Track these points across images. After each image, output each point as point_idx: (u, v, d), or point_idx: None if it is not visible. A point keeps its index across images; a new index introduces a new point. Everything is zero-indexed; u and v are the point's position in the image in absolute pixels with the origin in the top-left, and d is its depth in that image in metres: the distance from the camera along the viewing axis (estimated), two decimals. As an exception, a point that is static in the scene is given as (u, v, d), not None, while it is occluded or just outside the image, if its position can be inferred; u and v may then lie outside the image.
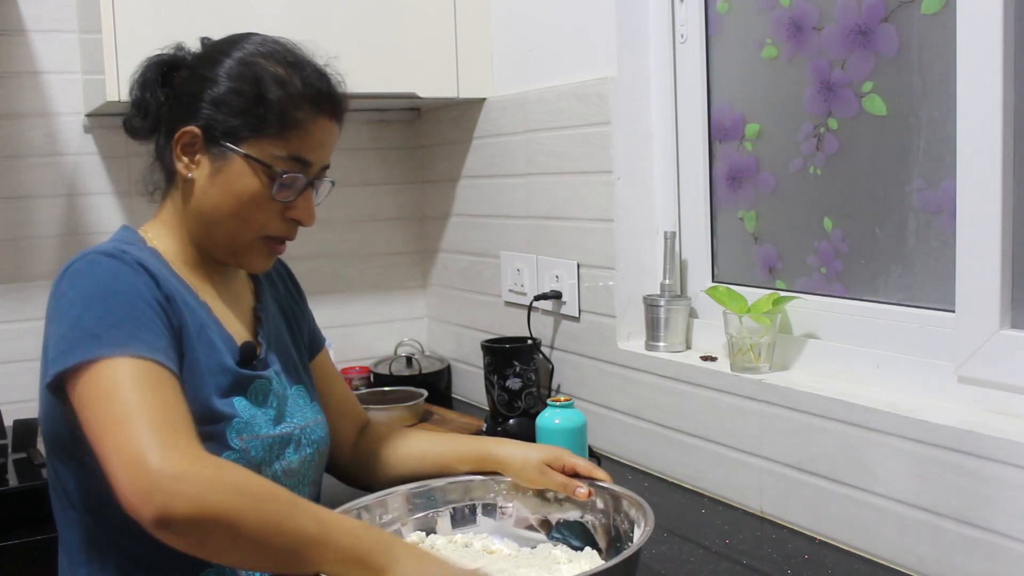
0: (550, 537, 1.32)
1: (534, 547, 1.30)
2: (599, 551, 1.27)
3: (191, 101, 1.22)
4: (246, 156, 1.20)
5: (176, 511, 0.94)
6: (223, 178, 1.21)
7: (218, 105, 1.20)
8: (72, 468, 1.15)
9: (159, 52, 1.27)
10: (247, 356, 1.25)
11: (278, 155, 1.21)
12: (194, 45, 1.29)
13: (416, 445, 1.44)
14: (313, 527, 1.00)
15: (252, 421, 1.20)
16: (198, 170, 1.22)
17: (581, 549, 1.28)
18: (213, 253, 1.26)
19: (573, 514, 1.31)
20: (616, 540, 1.25)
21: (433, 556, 1.07)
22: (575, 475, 1.31)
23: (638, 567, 1.14)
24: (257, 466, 1.19)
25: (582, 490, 1.29)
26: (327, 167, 1.27)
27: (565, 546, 1.29)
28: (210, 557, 1.01)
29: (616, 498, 1.27)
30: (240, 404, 1.20)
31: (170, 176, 1.27)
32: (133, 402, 1.00)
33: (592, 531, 1.29)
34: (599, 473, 1.32)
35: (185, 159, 1.22)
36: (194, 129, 1.21)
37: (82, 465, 1.13)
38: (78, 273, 1.11)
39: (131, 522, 1.00)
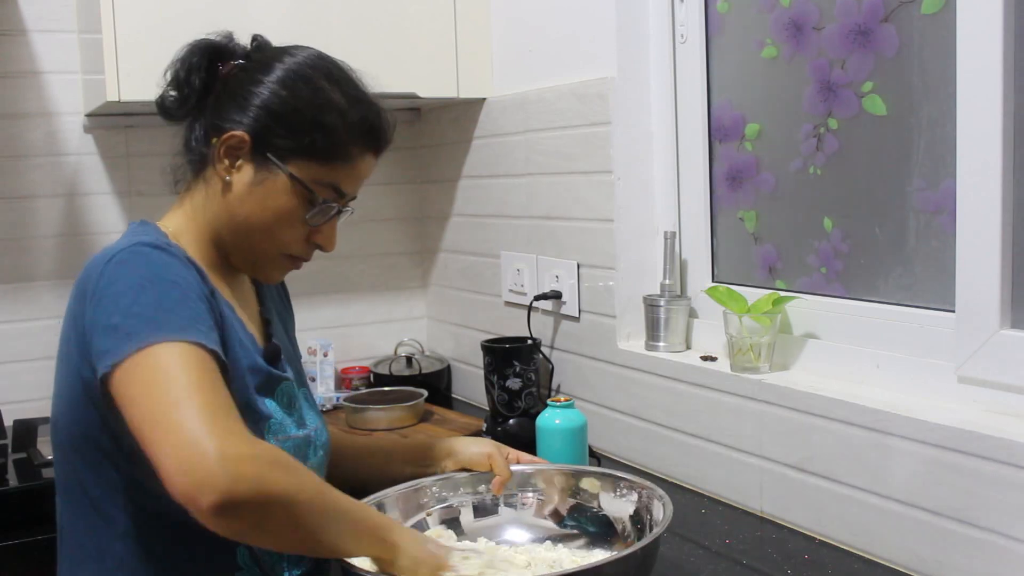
0: (563, 525, 1.34)
1: (543, 541, 1.32)
2: (616, 540, 1.29)
3: (243, 102, 1.19)
4: (291, 176, 1.19)
5: (239, 494, 0.92)
6: (262, 191, 1.20)
7: (273, 117, 1.19)
8: (95, 474, 1.13)
9: (207, 36, 1.24)
10: (272, 357, 1.25)
11: (320, 181, 1.20)
12: (243, 39, 1.26)
13: (358, 463, 1.48)
14: (345, 506, 1.05)
15: (283, 423, 1.21)
16: (238, 175, 1.20)
17: (596, 537, 1.31)
18: (231, 257, 1.25)
19: (627, 508, 1.32)
20: (636, 530, 1.28)
21: (421, 535, 1.16)
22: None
23: (656, 558, 1.16)
24: None
25: (497, 480, 1.35)
26: (355, 197, 1.27)
27: (579, 538, 1.32)
28: (263, 540, 1.01)
29: (637, 489, 1.29)
30: (271, 406, 1.20)
31: (199, 170, 1.24)
32: (188, 384, 0.98)
33: (610, 521, 1.31)
34: (542, 464, 1.41)
35: (227, 161, 1.20)
36: (244, 135, 1.18)
37: (104, 474, 1.12)
38: (125, 263, 1.07)
39: (167, 524, 1.05)
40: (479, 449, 1.41)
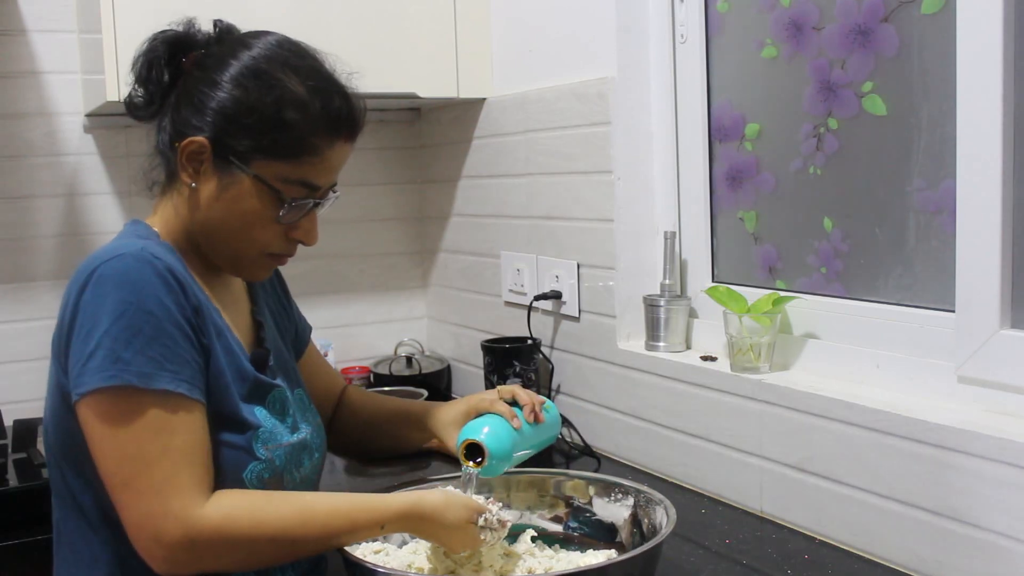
0: (566, 527, 1.35)
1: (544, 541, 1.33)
2: (617, 545, 1.30)
3: (199, 105, 1.16)
4: (255, 177, 1.15)
5: (209, 566, 1.03)
6: (229, 196, 1.16)
7: (230, 119, 1.14)
8: (82, 480, 1.13)
9: (168, 27, 1.20)
10: (260, 363, 1.24)
11: (288, 179, 1.16)
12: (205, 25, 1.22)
13: (369, 412, 1.56)
14: (335, 525, 1.10)
15: (274, 431, 1.19)
16: (203, 181, 1.17)
17: (599, 540, 1.32)
18: (214, 260, 1.23)
19: (622, 513, 1.32)
20: (637, 535, 1.28)
21: (445, 493, 1.17)
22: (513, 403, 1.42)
23: (659, 562, 1.17)
24: (280, 475, 1.18)
25: (527, 408, 1.39)
26: (335, 184, 1.23)
27: (582, 539, 1.33)
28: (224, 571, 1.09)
29: (639, 494, 1.30)
30: (261, 414, 1.19)
31: (171, 175, 1.21)
32: (152, 447, 1.02)
33: (612, 525, 1.32)
34: (537, 397, 1.42)
35: (191, 168, 1.17)
36: (203, 140, 1.15)
37: (91, 482, 1.12)
38: (105, 281, 1.06)
39: None
40: (483, 395, 1.44)
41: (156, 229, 1.21)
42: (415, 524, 1.13)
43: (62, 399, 1.10)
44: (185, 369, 1.07)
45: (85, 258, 1.13)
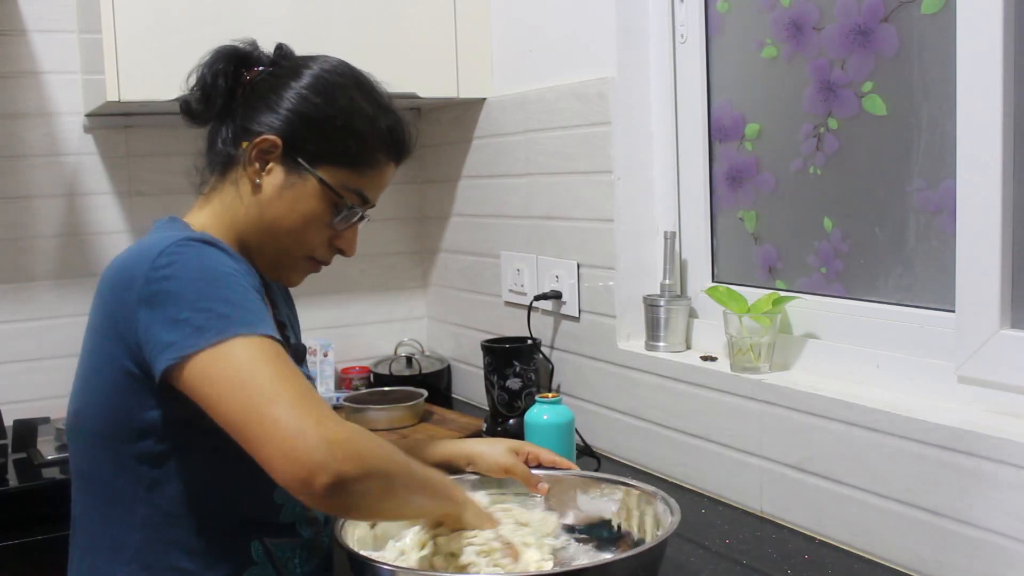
0: (574, 529, 1.35)
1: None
2: (621, 542, 1.31)
3: (274, 106, 1.21)
4: (320, 181, 1.21)
5: (347, 473, 0.99)
6: (292, 194, 1.22)
7: (306, 122, 1.21)
8: (118, 463, 1.14)
9: (232, 43, 1.26)
10: (299, 357, 1.29)
11: (348, 186, 1.23)
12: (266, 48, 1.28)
13: None
14: (422, 474, 1.14)
15: None
16: (268, 178, 1.22)
17: (608, 542, 1.32)
18: (254, 259, 1.26)
19: (610, 507, 1.33)
20: (642, 534, 1.29)
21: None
22: (539, 465, 1.40)
23: (662, 560, 1.17)
24: None
25: (544, 485, 1.36)
26: (375, 204, 1.30)
27: (589, 541, 1.33)
28: (362, 512, 1.13)
29: (643, 494, 1.30)
30: None
31: (225, 172, 1.25)
32: (276, 378, 1.02)
33: (619, 527, 1.32)
34: (562, 462, 1.41)
35: (258, 164, 1.22)
36: (276, 139, 1.20)
37: (128, 463, 1.13)
38: (179, 257, 1.08)
39: (186, 517, 1.11)
40: (497, 460, 1.39)
41: (196, 228, 1.22)
42: (457, 507, 1.20)
43: (123, 382, 1.11)
44: (274, 325, 1.10)
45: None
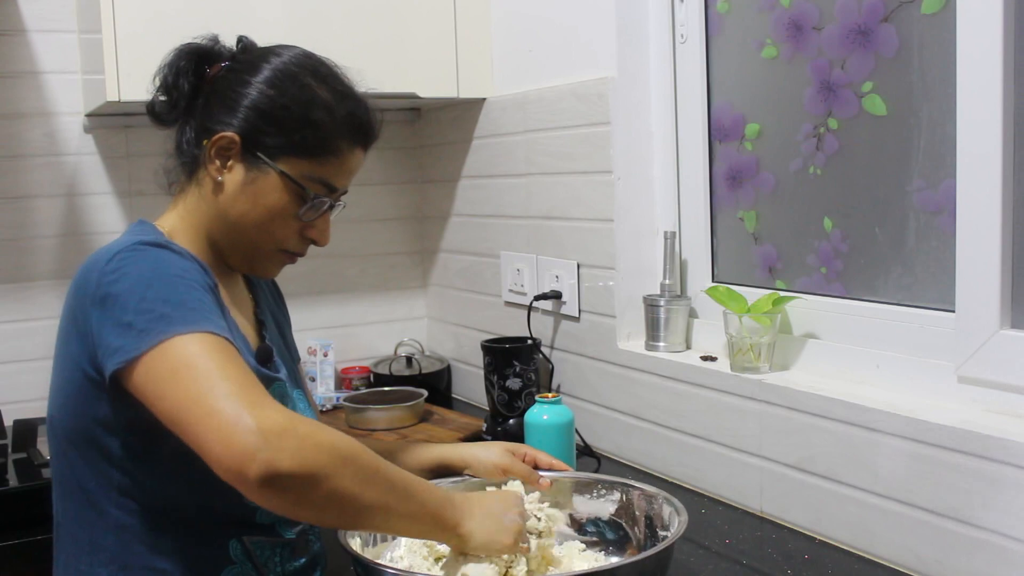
0: (583, 532, 1.35)
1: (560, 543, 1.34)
2: (631, 546, 1.31)
3: (231, 103, 1.21)
4: (282, 173, 1.21)
5: (282, 466, 0.94)
6: (254, 189, 1.21)
7: (262, 116, 1.20)
8: (91, 466, 1.14)
9: (194, 40, 1.26)
10: (264, 358, 1.27)
11: (311, 177, 1.22)
12: (227, 41, 1.28)
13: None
14: (397, 482, 1.05)
15: None
16: (229, 175, 1.22)
17: (616, 544, 1.32)
18: (228, 256, 1.26)
19: (607, 508, 1.34)
20: (649, 536, 1.29)
21: (485, 497, 1.17)
22: (536, 468, 1.38)
23: (670, 562, 1.17)
24: None
25: (544, 480, 1.35)
26: (346, 191, 1.29)
27: (599, 542, 1.34)
28: (304, 515, 1.04)
29: (649, 496, 1.30)
30: None
31: (191, 172, 1.25)
32: (214, 370, 0.99)
33: (626, 527, 1.32)
34: (559, 464, 1.40)
35: (218, 162, 1.21)
36: (233, 136, 1.20)
37: (99, 465, 1.13)
38: (128, 261, 1.08)
39: (160, 518, 1.08)
40: (494, 462, 1.38)
41: (166, 230, 1.23)
42: (452, 539, 1.12)
43: (85, 386, 1.11)
44: (221, 321, 1.08)
45: (87, 257, 1.14)
